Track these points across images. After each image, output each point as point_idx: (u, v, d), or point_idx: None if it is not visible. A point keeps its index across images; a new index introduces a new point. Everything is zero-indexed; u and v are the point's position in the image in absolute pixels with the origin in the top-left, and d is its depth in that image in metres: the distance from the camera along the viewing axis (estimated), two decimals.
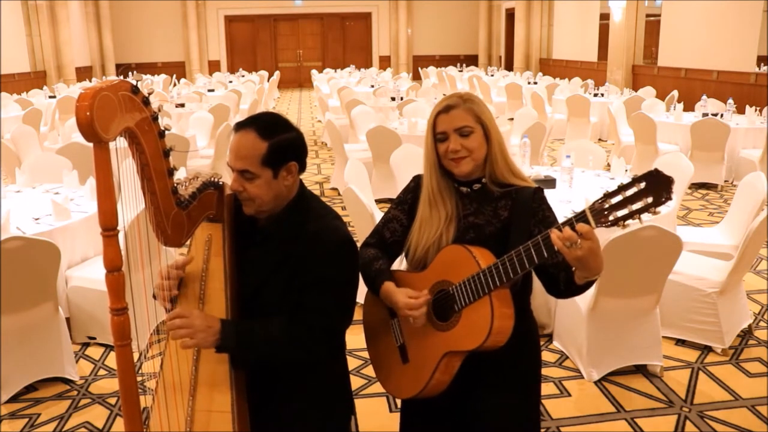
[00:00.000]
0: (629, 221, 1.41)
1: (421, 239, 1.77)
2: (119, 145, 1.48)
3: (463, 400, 1.77)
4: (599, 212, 1.44)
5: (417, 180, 1.88)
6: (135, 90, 1.45)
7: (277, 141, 1.63)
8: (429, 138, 1.76)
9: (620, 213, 1.41)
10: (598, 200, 1.45)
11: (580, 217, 1.46)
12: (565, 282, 1.65)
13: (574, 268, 1.57)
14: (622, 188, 1.41)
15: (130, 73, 16.24)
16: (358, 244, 1.81)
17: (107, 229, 1.43)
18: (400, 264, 1.92)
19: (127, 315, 1.48)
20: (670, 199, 1.37)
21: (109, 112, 1.37)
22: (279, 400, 1.72)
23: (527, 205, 1.72)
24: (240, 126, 1.64)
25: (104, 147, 1.38)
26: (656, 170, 1.38)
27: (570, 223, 1.47)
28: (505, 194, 1.75)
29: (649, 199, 1.37)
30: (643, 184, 1.38)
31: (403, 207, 1.87)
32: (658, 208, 1.38)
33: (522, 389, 1.80)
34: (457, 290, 1.65)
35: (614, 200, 1.42)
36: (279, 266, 1.65)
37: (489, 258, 1.64)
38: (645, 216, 1.40)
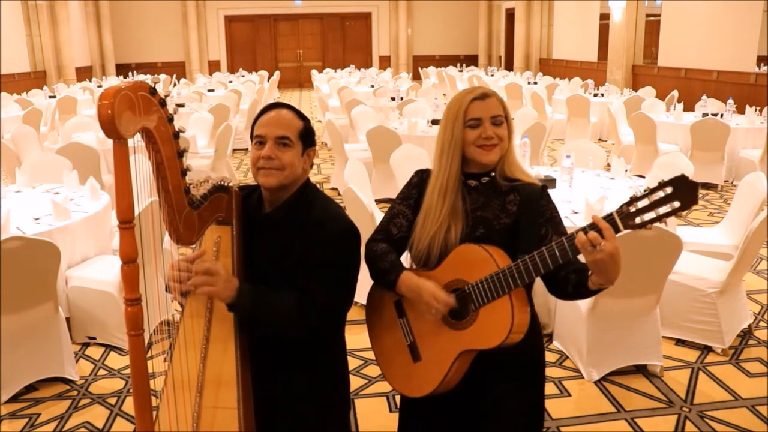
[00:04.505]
0: (656, 224, 1.44)
1: (424, 231, 1.75)
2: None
3: (467, 395, 1.76)
4: (626, 215, 1.46)
5: (420, 174, 1.86)
6: (153, 91, 1.51)
7: (309, 124, 1.78)
8: (458, 124, 1.73)
9: (647, 216, 1.44)
10: (625, 203, 1.47)
11: (608, 219, 1.47)
12: (575, 284, 1.64)
13: (590, 272, 1.57)
14: (649, 192, 1.43)
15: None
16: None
17: (124, 222, 1.48)
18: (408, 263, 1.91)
19: (141, 306, 1.53)
20: (695, 203, 1.40)
21: (129, 111, 1.43)
22: (281, 388, 1.75)
23: (535, 203, 1.72)
24: (276, 105, 1.77)
25: (123, 143, 1.44)
26: (683, 175, 1.41)
27: (594, 226, 1.48)
28: (512, 188, 1.75)
29: (676, 204, 1.41)
30: (669, 189, 1.41)
31: (408, 202, 1.85)
32: (684, 212, 1.41)
33: (525, 382, 1.79)
34: (474, 289, 1.65)
35: (641, 204, 1.44)
36: (285, 252, 1.71)
37: (504, 258, 1.64)
38: (671, 219, 1.43)
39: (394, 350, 1.83)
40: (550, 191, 4.01)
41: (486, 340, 1.63)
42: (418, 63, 21.43)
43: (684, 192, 1.40)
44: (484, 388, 1.75)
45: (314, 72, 17.89)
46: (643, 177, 4.49)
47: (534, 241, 1.66)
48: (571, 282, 1.64)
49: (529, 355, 1.79)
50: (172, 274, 1.68)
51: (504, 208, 1.74)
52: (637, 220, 1.44)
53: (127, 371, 3.37)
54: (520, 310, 1.61)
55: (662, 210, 1.42)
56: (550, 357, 3.47)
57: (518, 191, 1.74)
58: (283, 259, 1.71)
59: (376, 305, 1.88)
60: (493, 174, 1.77)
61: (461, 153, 1.74)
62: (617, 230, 1.48)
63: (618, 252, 1.48)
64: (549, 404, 3.04)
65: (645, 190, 1.44)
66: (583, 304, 3.20)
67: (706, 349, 3.51)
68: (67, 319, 3.57)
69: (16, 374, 3.10)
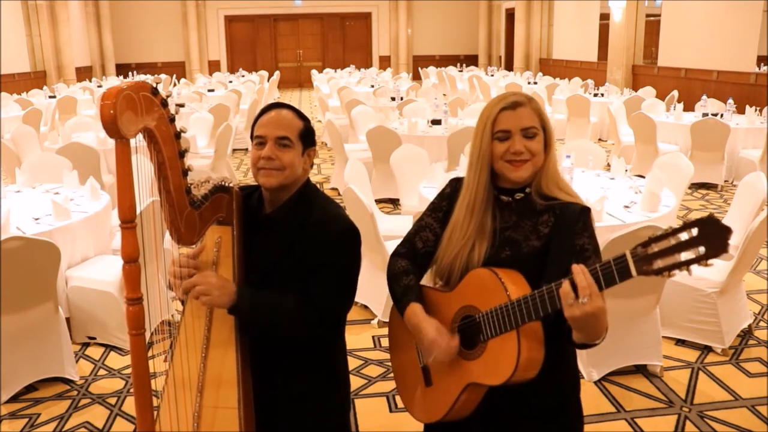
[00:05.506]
0: (675, 272, 1.24)
1: (449, 248, 1.63)
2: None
3: (489, 423, 1.65)
4: (642, 258, 1.26)
5: (454, 185, 1.73)
6: (155, 91, 1.52)
7: (309, 124, 1.79)
8: (486, 135, 1.58)
9: (667, 262, 1.24)
10: (641, 244, 1.27)
11: (619, 261, 1.29)
12: (568, 331, 1.47)
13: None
14: (671, 233, 1.24)
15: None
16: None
17: (126, 221, 1.48)
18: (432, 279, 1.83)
19: (142, 305, 1.54)
20: (725, 250, 1.20)
21: (131, 111, 1.44)
22: (281, 388, 1.75)
23: (570, 227, 1.54)
24: (276, 105, 1.78)
25: (125, 143, 1.45)
26: (711, 217, 1.21)
27: (594, 271, 1.32)
28: (548, 208, 1.58)
29: (701, 250, 1.20)
30: (695, 232, 1.21)
31: (437, 215, 1.73)
32: (711, 261, 1.21)
33: (551, 427, 1.64)
34: (484, 319, 1.51)
35: (659, 246, 1.25)
36: (285, 253, 1.71)
37: (521, 286, 1.50)
38: (695, 267, 1.23)
39: (409, 371, 1.77)
40: None
41: (491, 376, 1.51)
42: (418, 63, 21.42)
43: (712, 236, 1.19)
44: (504, 424, 1.64)
45: (314, 72, 17.89)
46: (643, 177, 4.49)
47: (561, 270, 1.44)
48: (566, 328, 1.46)
49: (556, 397, 1.64)
50: (173, 270, 1.68)
51: (535, 230, 1.57)
52: (654, 266, 1.25)
53: (127, 371, 3.38)
54: (529, 347, 1.46)
55: (684, 256, 1.22)
56: None
57: (554, 211, 1.57)
58: (283, 259, 1.71)
59: (397, 322, 1.79)
60: (528, 190, 1.61)
61: (490, 167, 1.59)
62: (628, 275, 1.28)
63: (601, 311, 1.32)
64: None
65: (666, 230, 1.25)
66: None
67: (706, 349, 3.51)
68: (67, 319, 3.57)
69: (16, 374, 3.10)
